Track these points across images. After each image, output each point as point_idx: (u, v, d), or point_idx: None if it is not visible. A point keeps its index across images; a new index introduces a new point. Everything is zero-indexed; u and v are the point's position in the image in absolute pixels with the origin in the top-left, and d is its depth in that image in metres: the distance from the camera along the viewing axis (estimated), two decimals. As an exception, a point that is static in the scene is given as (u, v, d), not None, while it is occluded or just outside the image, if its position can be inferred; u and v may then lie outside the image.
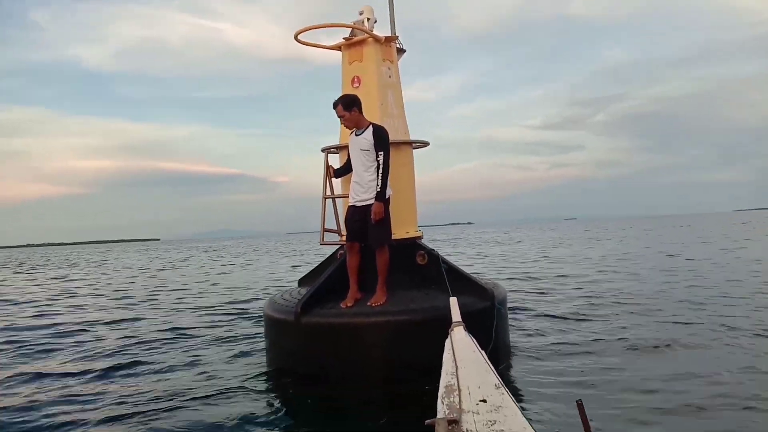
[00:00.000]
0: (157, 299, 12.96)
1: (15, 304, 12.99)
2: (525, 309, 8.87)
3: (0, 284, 19.28)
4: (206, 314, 10.04)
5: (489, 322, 5.16)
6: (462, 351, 2.96)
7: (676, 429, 3.87)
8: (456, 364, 2.76)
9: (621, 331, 6.94)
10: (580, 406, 2.06)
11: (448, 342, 3.21)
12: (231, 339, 7.63)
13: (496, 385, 2.49)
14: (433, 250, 5.74)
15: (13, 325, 9.44)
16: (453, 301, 3.79)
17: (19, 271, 28.87)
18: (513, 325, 7.40)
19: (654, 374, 5.06)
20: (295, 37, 5.81)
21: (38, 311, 11.33)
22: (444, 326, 4.09)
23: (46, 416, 4.61)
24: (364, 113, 5.39)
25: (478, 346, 3.09)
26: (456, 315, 3.61)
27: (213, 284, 16.65)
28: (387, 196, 5.09)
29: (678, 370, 5.11)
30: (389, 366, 4.86)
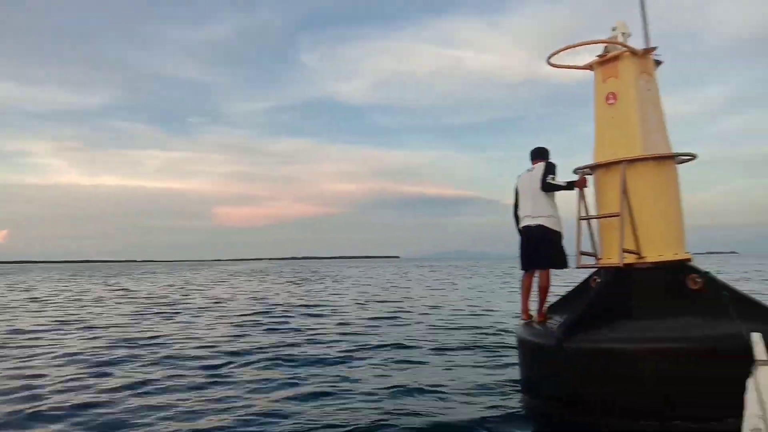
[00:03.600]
0: (412, 306, 14.05)
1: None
2: None
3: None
4: (455, 324, 10.79)
5: None
6: (771, 392, 2.67)
7: None
8: (764, 406, 2.51)
9: None
10: None
11: (751, 381, 2.91)
12: (483, 352, 8.11)
13: None
14: (708, 272, 5.21)
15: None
16: (757, 336, 3.40)
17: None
18: None
19: None
20: (548, 61, 5.88)
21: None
22: (734, 358, 3.71)
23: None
24: (620, 129, 5.62)
25: None
26: (761, 353, 3.24)
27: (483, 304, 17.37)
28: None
29: None
30: (664, 398, 4.52)
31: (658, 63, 5.94)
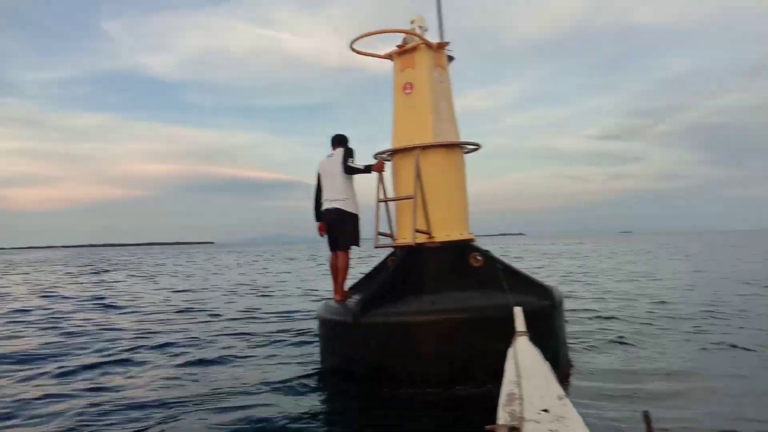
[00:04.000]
0: (212, 298, 13.44)
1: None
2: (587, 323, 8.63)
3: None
4: (260, 315, 10.38)
5: (549, 321, 5.13)
6: (525, 360, 2.98)
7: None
8: (518, 372, 2.78)
9: (695, 349, 6.65)
10: (646, 417, 2.04)
11: (511, 350, 3.23)
12: (284, 341, 7.86)
13: (559, 395, 2.50)
14: (488, 251, 5.75)
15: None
16: (518, 310, 3.78)
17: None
18: (577, 338, 7.20)
19: (728, 393, 4.88)
20: (351, 46, 5.95)
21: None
22: (504, 325, 4.10)
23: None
24: (415, 117, 5.93)
25: (542, 356, 3.10)
26: (520, 324, 3.60)
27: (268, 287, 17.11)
28: None
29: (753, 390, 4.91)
30: (449, 365, 4.92)
31: (451, 58, 6.37)
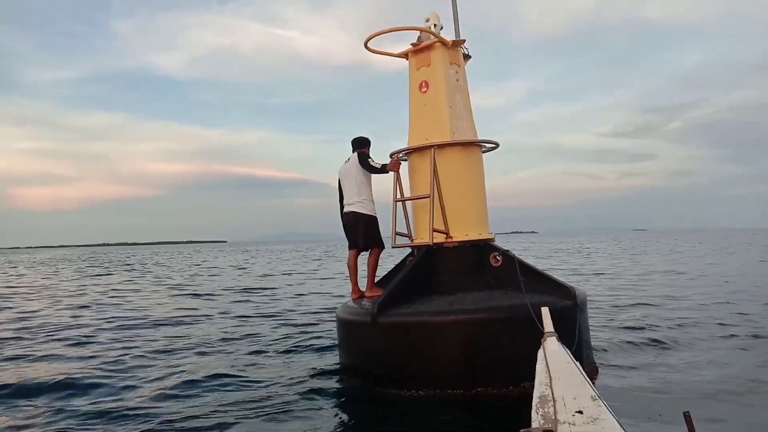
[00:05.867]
0: (234, 299, 13.46)
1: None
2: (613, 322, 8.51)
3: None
4: (280, 317, 10.32)
5: (572, 322, 5.07)
6: (556, 361, 2.94)
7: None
8: (550, 374, 2.75)
9: (723, 350, 6.51)
10: (687, 417, 2.00)
11: (540, 352, 3.19)
12: (304, 342, 7.77)
13: (592, 396, 2.46)
14: (508, 251, 5.70)
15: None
16: (545, 310, 3.72)
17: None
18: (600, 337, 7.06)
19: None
20: (365, 44, 5.92)
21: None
22: (526, 325, 4.05)
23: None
24: (431, 116, 5.90)
25: (572, 357, 3.05)
26: (548, 325, 3.55)
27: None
28: None
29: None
30: (469, 365, 4.86)
31: (467, 57, 6.32)
